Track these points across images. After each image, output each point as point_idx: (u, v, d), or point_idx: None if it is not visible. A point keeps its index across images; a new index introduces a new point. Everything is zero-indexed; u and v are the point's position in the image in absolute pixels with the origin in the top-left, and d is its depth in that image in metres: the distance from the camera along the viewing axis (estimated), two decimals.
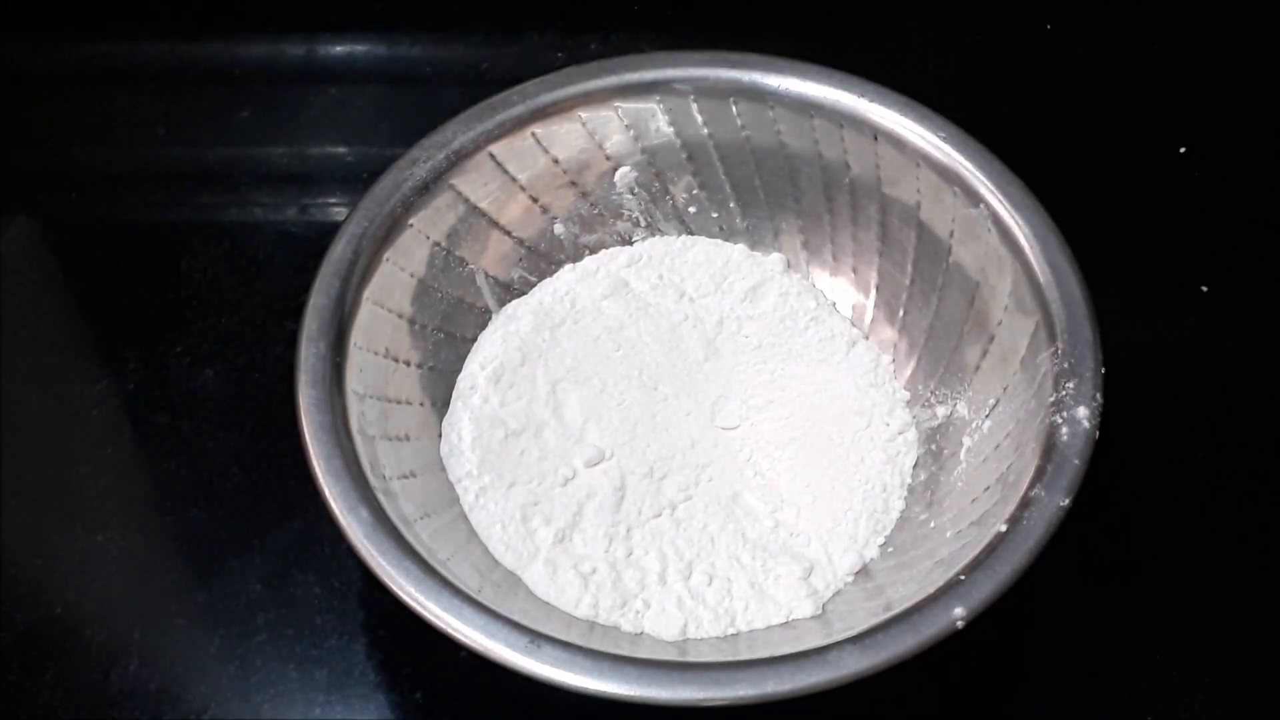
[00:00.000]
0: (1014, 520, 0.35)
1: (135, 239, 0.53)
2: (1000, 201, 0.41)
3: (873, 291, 0.45)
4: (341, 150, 0.56)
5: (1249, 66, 0.58)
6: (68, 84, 0.58)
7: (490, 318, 0.45)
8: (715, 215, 0.47)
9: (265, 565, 0.43)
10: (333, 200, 0.54)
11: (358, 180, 0.53)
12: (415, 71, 0.59)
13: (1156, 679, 0.41)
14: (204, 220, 0.53)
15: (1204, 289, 0.50)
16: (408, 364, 0.42)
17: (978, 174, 0.41)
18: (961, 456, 0.41)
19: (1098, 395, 0.37)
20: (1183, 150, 0.54)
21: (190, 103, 0.57)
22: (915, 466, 0.42)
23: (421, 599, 0.34)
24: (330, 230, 0.42)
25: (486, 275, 0.45)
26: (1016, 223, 0.41)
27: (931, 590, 0.34)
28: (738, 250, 0.47)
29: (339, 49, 0.59)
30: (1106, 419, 0.37)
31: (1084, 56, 0.58)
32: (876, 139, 0.43)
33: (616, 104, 0.45)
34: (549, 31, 0.59)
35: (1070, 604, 0.42)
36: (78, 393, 0.47)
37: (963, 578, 0.34)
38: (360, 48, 0.59)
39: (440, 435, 0.42)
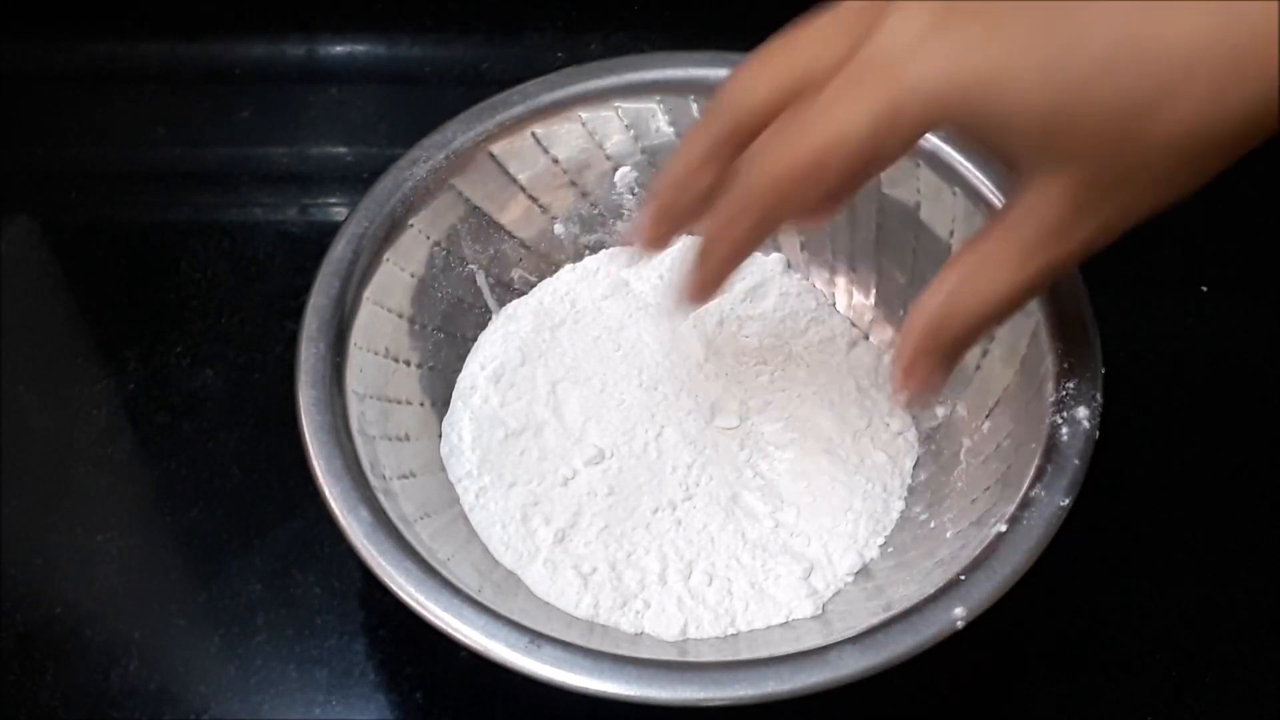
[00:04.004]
0: (1014, 520, 0.35)
1: (135, 239, 0.53)
2: (1000, 201, 0.41)
3: (873, 291, 0.45)
4: (342, 150, 0.56)
5: None
6: (68, 84, 0.58)
7: (490, 318, 0.45)
8: None
9: (265, 565, 0.43)
10: (333, 200, 0.54)
11: (358, 180, 0.53)
12: (415, 71, 0.59)
13: (1156, 679, 0.41)
14: (204, 220, 0.53)
15: (1204, 289, 0.50)
16: (408, 364, 0.42)
17: (978, 174, 0.41)
18: (961, 457, 0.41)
19: (1098, 395, 0.37)
20: None
21: (190, 103, 0.57)
22: (915, 467, 0.42)
23: (422, 599, 0.34)
24: (330, 230, 0.42)
25: (486, 275, 0.45)
26: None
27: (931, 590, 0.34)
28: None
29: (339, 49, 0.59)
30: (1107, 419, 0.37)
31: None
32: None
33: (616, 104, 0.45)
34: (549, 31, 0.59)
35: (1070, 604, 0.42)
36: (78, 393, 0.47)
37: (963, 578, 0.34)
38: (360, 48, 0.59)
39: (440, 435, 0.42)
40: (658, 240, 0.35)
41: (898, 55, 0.28)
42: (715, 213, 0.32)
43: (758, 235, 0.32)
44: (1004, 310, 0.31)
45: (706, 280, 0.33)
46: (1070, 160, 0.28)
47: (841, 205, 0.33)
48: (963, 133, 0.29)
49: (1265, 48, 0.26)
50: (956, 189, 0.42)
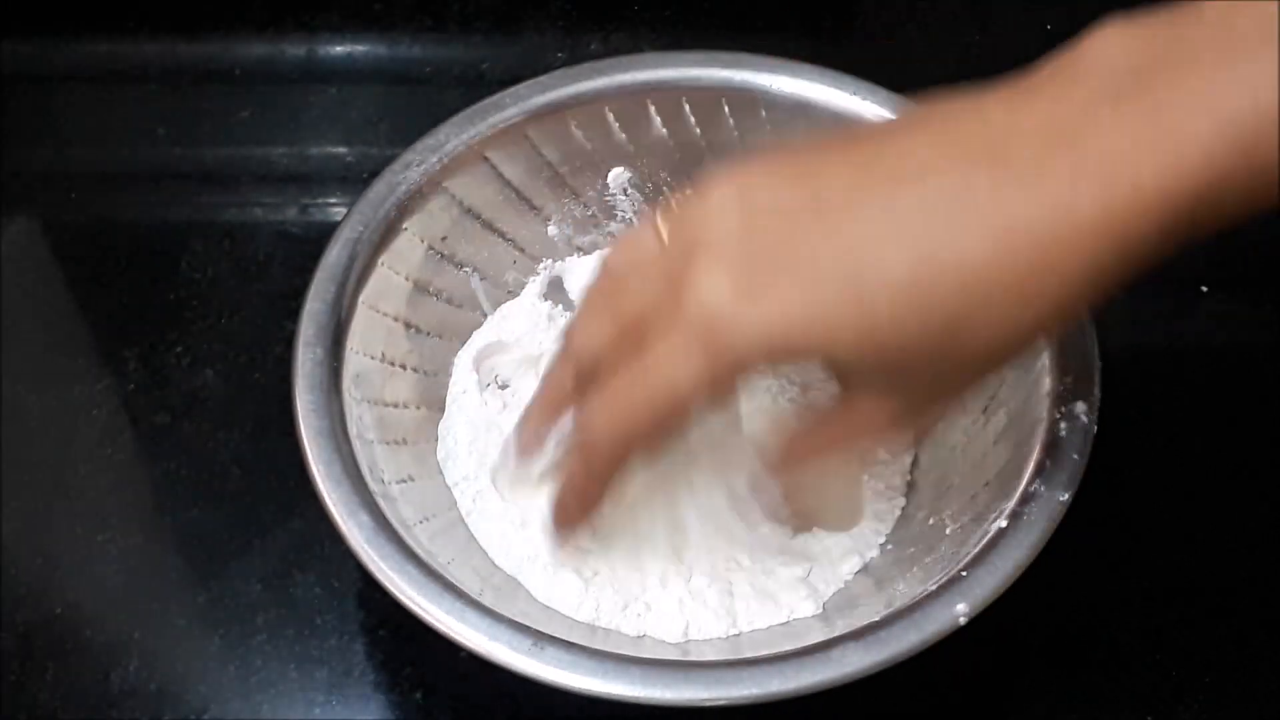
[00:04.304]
0: (1014, 516, 0.35)
1: (135, 239, 0.53)
2: None
3: None
4: (341, 150, 0.56)
5: None
6: (68, 84, 0.58)
7: (485, 320, 0.45)
8: None
9: (265, 565, 0.43)
10: (333, 200, 0.54)
11: (358, 180, 0.52)
12: (415, 71, 0.59)
13: (1156, 679, 0.41)
14: (204, 220, 0.53)
15: (1204, 289, 0.50)
16: (404, 368, 0.42)
17: None
18: (960, 453, 0.41)
19: (1096, 390, 0.37)
20: None
21: (190, 102, 0.57)
22: (914, 464, 0.42)
23: (424, 603, 0.34)
24: (330, 230, 0.42)
25: (481, 278, 0.45)
26: None
27: (933, 587, 0.34)
28: None
29: (339, 49, 0.59)
30: (1107, 420, 0.37)
31: None
32: None
33: (608, 105, 0.45)
34: (549, 32, 0.59)
35: (1071, 600, 0.42)
36: (78, 393, 0.47)
37: (964, 574, 0.34)
38: (360, 48, 0.59)
39: (437, 439, 0.42)
40: (531, 451, 0.38)
41: (713, 324, 0.30)
42: (570, 466, 0.36)
43: (607, 476, 0.35)
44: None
45: (571, 520, 0.37)
46: (886, 378, 0.31)
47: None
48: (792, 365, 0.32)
49: (1042, 270, 0.28)
50: None
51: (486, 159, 0.44)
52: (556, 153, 0.45)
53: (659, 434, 0.33)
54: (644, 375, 0.31)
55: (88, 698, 0.40)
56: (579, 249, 0.47)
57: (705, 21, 0.59)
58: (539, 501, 0.40)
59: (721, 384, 0.31)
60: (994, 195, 0.28)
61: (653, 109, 0.45)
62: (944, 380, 0.32)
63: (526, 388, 0.44)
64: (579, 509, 0.36)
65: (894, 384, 0.31)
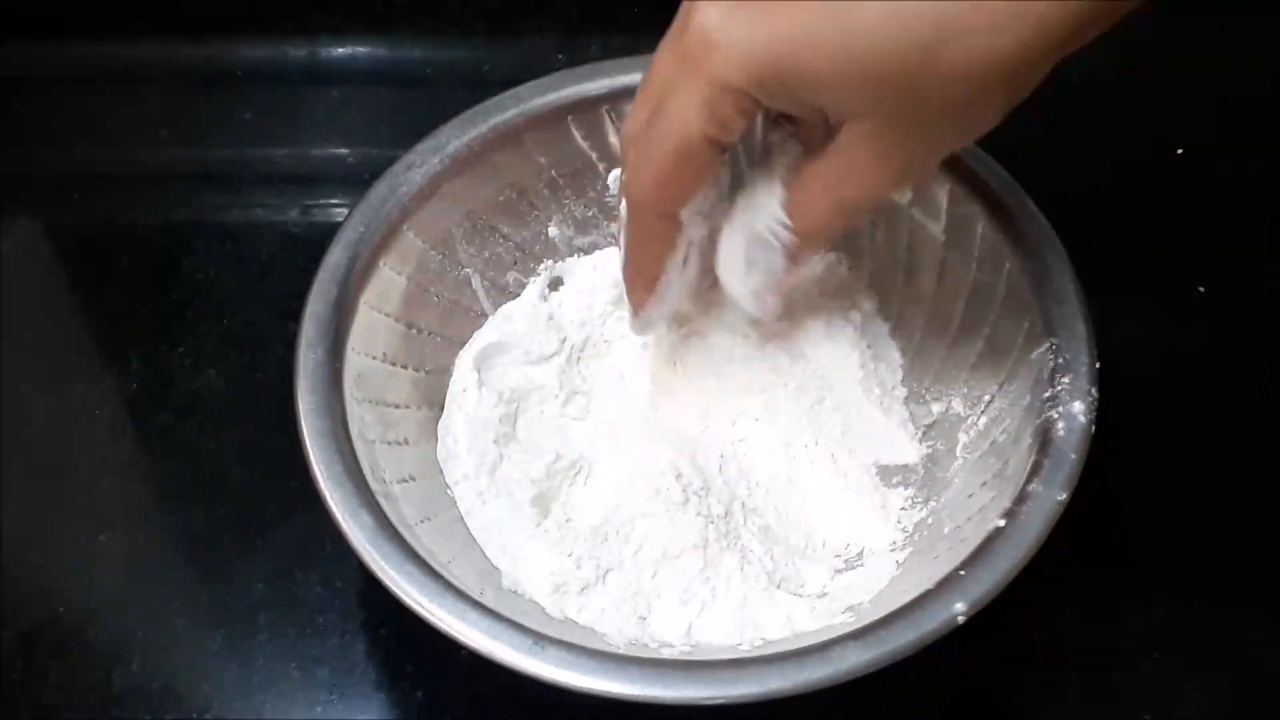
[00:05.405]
0: (1012, 515, 0.35)
1: (137, 240, 0.53)
2: (993, 199, 0.41)
3: (867, 289, 0.45)
4: (343, 151, 0.56)
5: (1248, 66, 0.58)
6: (70, 84, 0.58)
7: (485, 320, 0.45)
8: None
9: (267, 565, 0.43)
10: (335, 201, 0.54)
11: (359, 181, 0.52)
12: (417, 73, 0.59)
13: (1156, 678, 0.41)
14: (206, 221, 0.53)
15: (1201, 289, 0.50)
16: (405, 368, 0.42)
17: (971, 172, 0.42)
18: (958, 452, 0.41)
19: (1093, 390, 0.37)
20: (1180, 151, 0.54)
21: (193, 103, 0.57)
22: (912, 463, 0.42)
23: (425, 602, 0.34)
24: (332, 231, 0.42)
25: (481, 279, 0.45)
26: (1010, 220, 0.41)
27: (931, 586, 0.34)
28: None
29: (341, 50, 0.59)
30: (1105, 420, 0.37)
31: (1082, 56, 0.58)
32: None
33: (609, 106, 0.45)
34: (549, 34, 0.59)
35: (1069, 601, 0.42)
36: (80, 393, 0.48)
37: (962, 573, 0.34)
38: (362, 49, 0.59)
39: (437, 439, 0.43)
40: (645, 303, 0.39)
41: (705, 46, 0.32)
42: (626, 237, 0.37)
43: (659, 234, 0.36)
44: (823, 236, 0.37)
45: (641, 289, 0.38)
46: (871, 103, 0.32)
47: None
48: (783, 99, 0.33)
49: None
50: (950, 187, 0.42)
51: (487, 160, 0.44)
52: (557, 154, 0.45)
53: (686, 175, 0.35)
54: (656, 126, 0.34)
55: (90, 697, 0.41)
56: (579, 250, 0.47)
57: None
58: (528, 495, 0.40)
59: (718, 110, 0.32)
60: None
61: None
62: (930, 116, 0.32)
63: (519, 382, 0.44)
64: (646, 278, 0.38)
65: (881, 118, 0.32)
